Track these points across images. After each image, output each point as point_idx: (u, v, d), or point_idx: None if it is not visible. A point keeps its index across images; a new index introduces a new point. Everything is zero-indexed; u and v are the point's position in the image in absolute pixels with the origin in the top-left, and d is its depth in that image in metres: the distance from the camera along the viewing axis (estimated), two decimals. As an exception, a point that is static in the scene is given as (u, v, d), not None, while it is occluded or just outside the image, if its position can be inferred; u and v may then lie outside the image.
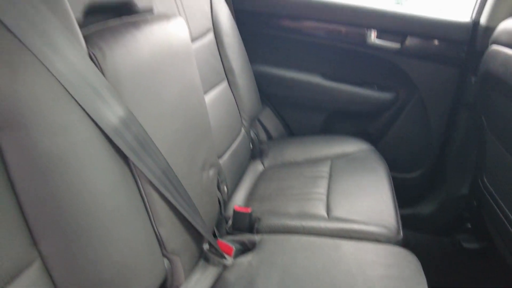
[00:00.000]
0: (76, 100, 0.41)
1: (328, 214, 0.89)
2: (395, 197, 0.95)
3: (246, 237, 0.84)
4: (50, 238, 0.41)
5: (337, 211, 0.89)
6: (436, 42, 1.17)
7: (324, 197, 0.96)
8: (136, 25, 0.55)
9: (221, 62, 1.10)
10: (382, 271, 0.69)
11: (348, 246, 0.76)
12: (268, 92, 1.37)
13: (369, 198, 0.94)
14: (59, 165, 0.40)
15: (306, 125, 1.41)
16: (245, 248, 0.83)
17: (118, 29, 0.51)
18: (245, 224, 0.89)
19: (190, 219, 0.62)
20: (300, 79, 1.32)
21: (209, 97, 0.96)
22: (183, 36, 0.67)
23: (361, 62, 1.26)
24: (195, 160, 0.69)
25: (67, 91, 0.40)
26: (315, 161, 1.17)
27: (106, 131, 0.44)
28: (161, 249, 0.58)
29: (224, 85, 1.10)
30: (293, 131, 1.45)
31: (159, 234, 0.57)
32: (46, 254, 0.42)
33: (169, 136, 0.60)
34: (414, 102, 1.25)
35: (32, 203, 0.39)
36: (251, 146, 1.23)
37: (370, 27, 1.18)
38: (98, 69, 0.45)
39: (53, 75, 0.38)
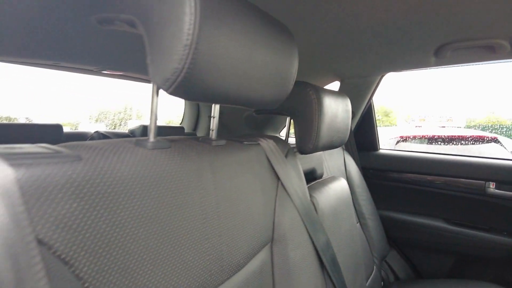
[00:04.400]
0: (306, 227, 0.71)
1: None
2: None
3: None
4: None
5: None
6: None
7: None
8: (326, 182, 0.90)
9: (354, 208, 1.37)
10: None
11: None
12: (393, 235, 1.53)
13: None
14: (295, 270, 0.67)
15: (434, 268, 1.47)
16: None
17: (320, 185, 0.86)
18: None
19: None
20: (424, 223, 1.47)
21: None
22: (347, 188, 1.00)
23: (484, 208, 1.38)
24: (356, 282, 0.89)
25: (303, 221, 0.70)
26: (452, 305, 1.20)
27: (318, 249, 0.72)
28: None
29: (358, 226, 1.33)
30: (421, 273, 1.50)
31: None
32: None
33: (343, 257, 0.84)
34: None
35: None
36: (382, 284, 1.34)
37: (488, 180, 1.35)
38: (315, 209, 0.76)
39: (298, 211, 0.70)
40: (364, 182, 1.48)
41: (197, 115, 2.01)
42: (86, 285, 0.34)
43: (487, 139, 3.03)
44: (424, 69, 1.35)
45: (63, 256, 0.32)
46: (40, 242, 0.31)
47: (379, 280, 1.32)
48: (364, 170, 1.55)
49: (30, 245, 0.29)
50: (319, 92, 0.78)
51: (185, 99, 0.42)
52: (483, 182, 1.36)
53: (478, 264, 1.41)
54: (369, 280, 1.23)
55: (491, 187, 1.35)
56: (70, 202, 0.34)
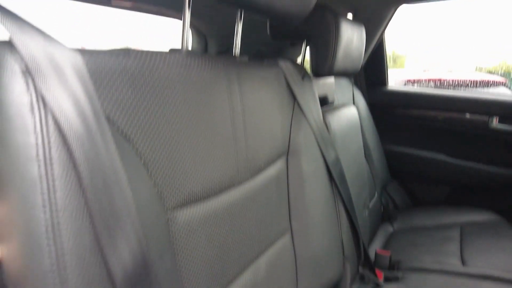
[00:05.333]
0: (318, 143, 0.77)
1: (463, 263, 1.03)
2: None
3: (389, 273, 1.03)
4: (297, 219, 0.74)
5: (472, 263, 1.02)
6: None
7: (458, 252, 1.10)
8: (338, 107, 0.95)
9: (362, 140, 1.44)
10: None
11: (485, 285, 0.89)
12: (395, 167, 1.62)
13: (506, 255, 1.03)
14: (307, 180, 0.74)
15: (431, 197, 1.58)
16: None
17: (332, 109, 0.91)
18: (386, 265, 1.09)
19: (360, 236, 0.89)
20: (426, 156, 1.55)
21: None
22: (356, 115, 1.06)
23: (486, 143, 1.44)
24: (360, 198, 0.98)
25: (316, 138, 0.77)
26: (444, 226, 1.31)
27: (328, 163, 0.79)
28: (342, 252, 0.85)
29: (363, 156, 1.40)
30: (419, 202, 1.62)
31: (342, 239, 0.85)
32: (294, 228, 0.74)
33: (350, 175, 0.92)
34: None
35: (292, 199, 0.73)
36: (381, 209, 1.45)
37: (492, 114, 1.39)
38: (327, 129, 0.82)
39: (312, 129, 0.76)
40: (370, 116, 1.53)
41: (205, 52, 2.00)
42: (142, 161, 0.40)
43: (496, 82, 3.01)
44: (441, 1, 1.32)
45: (125, 133, 0.38)
46: (107, 118, 0.36)
47: (379, 206, 1.42)
48: (371, 106, 1.59)
49: (101, 120, 0.34)
50: (337, 16, 0.79)
51: (219, 2, 0.45)
52: (486, 117, 1.41)
53: (474, 193, 1.51)
54: (371, 203, 1.33)
55: (494, 122, 1.40)
56: (125, 89, 0.39)
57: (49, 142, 0.30)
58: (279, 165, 0.70)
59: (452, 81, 3.07)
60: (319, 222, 0.77)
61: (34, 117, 0.29)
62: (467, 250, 1.10)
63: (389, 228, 1.42)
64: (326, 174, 0.80)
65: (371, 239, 1.30)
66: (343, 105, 1.03)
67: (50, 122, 0.30)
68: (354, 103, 1.46)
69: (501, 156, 1.43)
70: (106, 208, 0.32)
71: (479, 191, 1.49)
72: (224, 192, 0.53)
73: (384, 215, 1.46)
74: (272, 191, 0.67)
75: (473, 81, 3.03)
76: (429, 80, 3.15)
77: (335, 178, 0.81)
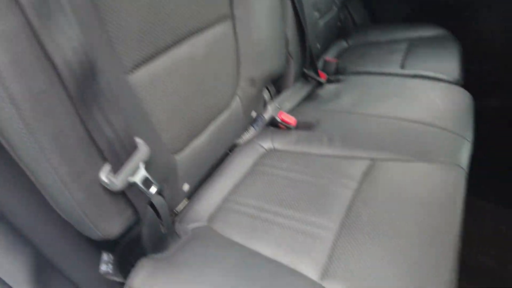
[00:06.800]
0: None
1: (401, 67, 1.11)
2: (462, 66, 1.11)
3: (333, 76, 1.11)
4: (240, 6, 0.71)
5: (410, 67, 1.10)
6: None
7: (400, 60, 1.16)
8: None
9: None
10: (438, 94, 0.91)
11: (414, 81, 0.99)
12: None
13: (440, 61, 1.12)
14: None
15: (390, 16, 1.55)
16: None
17: None
18: (332, 71, 1.15)
19: (306, 37, 0.89)
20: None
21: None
22: None
23: None
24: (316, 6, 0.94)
25: None
26: (395, 41, 1.34)
27: None
28: (287, 48, 0.87)
29: None
30: (377, 21, 1.60)
31: (287, 35, 0.86)
32: (236, 16, 0.71)
33: None
34: None
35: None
36: (339, 24, 1.43)
37: None
38: None
39: None
40: None
41: None
42: None
43: None
44: None
45: None
46: None
47: (336, 21, 1.39)
48: None
49: None
50: None
51: None
52: None
53: (431, 12, 1.47)
54: (327, 16, 1.29)
55: None
56: None
57: None
58: None
59: None
60: (263, 13, 0.75)
61: None
62: (409, 58, 1.17)
63: (344, 44, 1.44)
64: None
65: (323, 51, 1.33)
66: None
67: None
68: None
69: None
70: None
71: (437, 10, 1.47)
72: None
73: (340, 32, 1.46)
74: None
75: None
76: None
77: None
